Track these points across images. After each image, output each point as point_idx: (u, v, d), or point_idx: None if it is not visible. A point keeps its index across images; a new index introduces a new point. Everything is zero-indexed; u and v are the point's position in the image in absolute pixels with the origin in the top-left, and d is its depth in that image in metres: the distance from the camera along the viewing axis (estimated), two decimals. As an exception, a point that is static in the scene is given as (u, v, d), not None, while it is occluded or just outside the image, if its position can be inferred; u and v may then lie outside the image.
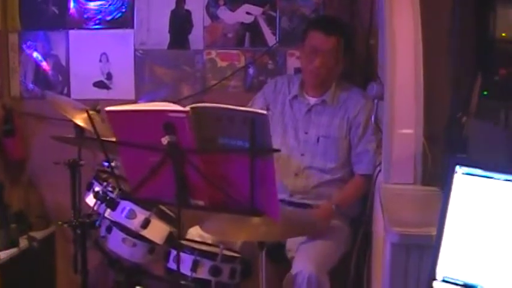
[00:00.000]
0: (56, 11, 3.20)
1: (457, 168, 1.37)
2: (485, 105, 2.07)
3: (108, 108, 1.68)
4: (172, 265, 2.25)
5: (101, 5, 3.16)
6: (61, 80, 3.24)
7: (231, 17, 3.08)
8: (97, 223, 2.40)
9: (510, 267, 1.26)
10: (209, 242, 2.42)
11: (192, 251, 2.22)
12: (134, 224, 2.31)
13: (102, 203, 2.38)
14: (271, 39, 3.06)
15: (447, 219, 1.36)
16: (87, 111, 1.88)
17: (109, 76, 3.21)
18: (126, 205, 2.33)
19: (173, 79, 3.16)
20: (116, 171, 2.10)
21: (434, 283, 1.36)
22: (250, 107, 2.71)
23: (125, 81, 3.19)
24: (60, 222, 2.59)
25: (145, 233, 2.30)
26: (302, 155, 2.66)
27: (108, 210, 2.36)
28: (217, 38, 3.10)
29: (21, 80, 3.27)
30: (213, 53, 3.12)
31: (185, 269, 2.19)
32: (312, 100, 2.69)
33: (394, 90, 2.00)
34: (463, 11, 2.18)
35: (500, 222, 1.28)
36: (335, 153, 2.63)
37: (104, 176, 2.50)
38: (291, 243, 2.54)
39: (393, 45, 2.00)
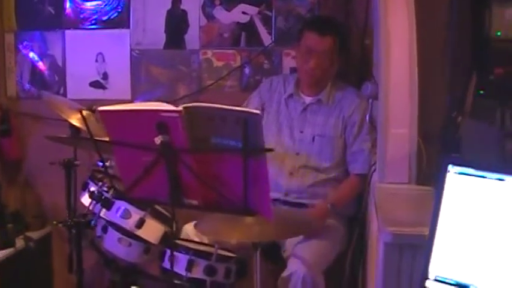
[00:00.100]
0: (52, 11, 3.20)
1: (450, 167, 1.37)
2: (480, 104, 2.07)
3: (101, 108, 1.68)
4: (167, 265, 2.25)
5: (97, 5, 3.16)
6: (57, 80, 3.24)
7: (226, 17, 3.08)
8: (92, 223, 2.40)
9: (502, 266, 1.26)
10: (205, 241, 2.42)
11: (187, 250, 2.22)
12: (129, 224, 2.31)
13: (97, 202, 2.38)
14: (267, 39, 3.06)
15: (440, 218, 1.36)
16: (80, 111, 1.87)
17: (105, 76, 3.21)
18: (121, 205, 2.33)
19: (169, 79, 3.16)
20: (111, 171, 2.10)
21: (427, 282, 1.36)
22: (245, 106, 2.71)
23: (121, 81, 3.19)
24: (55, 222, 2.59)
25: (140, 232, 2.30)
26: (297, 154, 2.66)
27: (103, 210, 2.36)
28: (213, 37, 3.10)
29: (18, 80, 3.27)
30: (209, 53, 3.12)
31: (180, 269, 2.19)
32: (308, 99, 2.70)
33: (388, 89, 2.00)
34: (459, 10, 2.18)
35: (492, 222, 1.28)
36: (330, 152, 2.63)
37: (100, 176, 2.50)
38: (287, 243, 2.54)
39: (387, 44, 2.00)
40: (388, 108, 1.99)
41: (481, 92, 2.07)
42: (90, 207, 2.42)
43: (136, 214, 2.31)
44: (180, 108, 1.62)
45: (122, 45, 3.17)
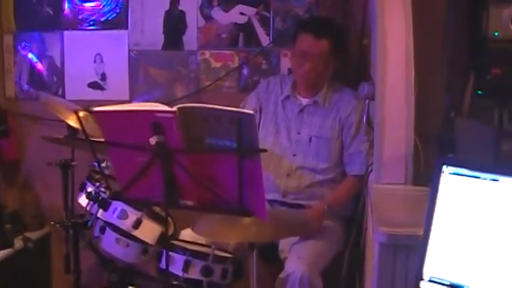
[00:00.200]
0: (51, 12, 3.20)
1: (444, 168, 1.37)
2: (478, 104, 2.07)
3: (95, 109, 1.69)
4: (164, 265, 2.25)
5: (95, 6, 3.16)
6: (56, 81, 3.25)
7: (224, 18, 3.08)
8: (89, 223, 2.40)
9: (497, 267, 1.25)
10: (202, 242, 2.41)
11: (183, 251, 2.22)
12: (126, 225, 2.31)
13: (94, 203, 2.39)
14: (265, 39, 3.06)
15: (434, 219, 1.36)
16: (75, 112, 1.87)
17: (103, 77, 3.21)
18: (117, 205, 2.33)
19: (167, 80, 3.16)
20: (107, 172, 2.10)
21: (421, 283, 1.36)
22: (243, 107, 2.71)
23: (119, 82, 3.19)
24: (52, 223, 2.60)
25: (137, 233, 2.31)
26: (294, 155, 2.66)
27: (101, 210, 2.36)
28: (211, 38, 3.10)
29: (16, 81, 3.28)
30: (207, 54, 3.12)
31: (177, 269, 2.20)
32: (304, 101, 2.69)
33: (384, 90, 1.99)
34: (455, 10, 2.17)
35: (487, 222, 1.28)
36: (327, 153, 2.63)
37: (97, 176, 2.50)
38: (284, 243, 2.54)
39: (384, 45, 1.99)
40: (385, 108, 1.99)
41: (480, 92, 2.07)
42: (88, 208, 2.43)
43: (133, 215, 2.31)
44: (174, 108, 1.62)
45: (120, 46, 3.17)
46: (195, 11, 3.09)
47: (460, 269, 1.30)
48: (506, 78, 2.00)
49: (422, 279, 1.35)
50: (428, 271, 1.35)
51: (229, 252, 2.37)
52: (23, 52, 3.25)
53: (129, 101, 3.14)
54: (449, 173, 1.35)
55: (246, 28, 3.07)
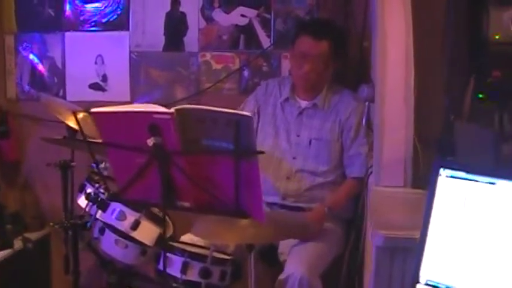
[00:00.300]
0: (52, 13, 3.20)
1: (441, 170, 1.36)
2: (478, 107, 2.06)
3: (93, 110, 1.69)
4: (162, 267, 2.24)
5: (96, 7, 3.17)
6: (57, 82, 3.25)
7: (225, 19, 3.08)
8: (88, 224, 2.40)
9: (493, 271, 1.25)
10: (202, 244, 2.41)
11: (182, 252, 2.22)
12: (124, 226, 2.31)
13: (93, 204, 2.39)
14: (265, 41, 3.06)
15: (431, 222, 1.36)
16: (73, 113, 1.88)
17: (104, 78, 3.21)
18: (116, 207, 2.33)
19: (168, 81, 3.16)
20: (106, 173, 2.10)
21: (418, 286, 1.35)
22: (242, 109, 2.70)
23: (120, 83, 3.19)
24: (51, 224, 2.60)
25: (135, 234, 2.30)
26: (294, 158, 2.65)
27: (99, 211, 2.36)
28: (212, 40, 3.10)
29: (17, 82, 3.28)
30: (208, 55, 3.12)
31: (175, 271, 2.19)
32: (303, 103, 2.68)
33: (384, 92, 1.99)
34: (456, 13, 2.17)
35: (483, 226, 1.27)
36: (327, 156, 2.62)
37: (96, 177, 2.50)
38: (284, 246, 2.53)
39: (384, 46, 1.99)
40: (384, 110, 1.98)
41: (480, 95, 2.06)
42: (87, 209, 2.43)
43: (131, 216, 2.31)
44: (172, 110, 1.62)
45: (121, 48, 3.17)
46: (196, 12, 3.09)
47: (457, 272, 1.30)
48: (507, 80, 2.00)
49: (418, 282, 1.35)
50: (424, 274, 1.34)
51: (228, 254, 2.36)
52: (24, 53, 3.26)
53: (130, 102, 3.15)
54: (447, 176, 1.35)
55: (247, 30, 3.07)
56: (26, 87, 3.28)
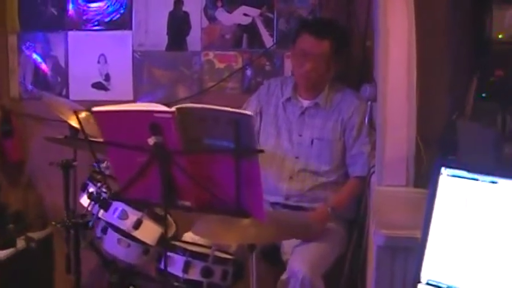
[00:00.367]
0: (55, 12, 3.21)
1: (443, 169, 1.36)
2: (481, 107, 2.06)
3: (94, 109, 1.69)
4: (164, 266, 2.24)
5: (99, 6, 3.17)
6: (60, 81, 3.25)
7: (228, 19, 3.08)
8: (90, 224, 2.40)
9: (494, 270, 1.24)
10: (204, 243, 2.41)
11: (183, 252, 2.21)
12: (126, 225, 2.31)
13: (95, 203, 2.39)
14: (268, 40, 3.05)
15: (432, 221, 1.35)
16: (75, 112, 1.88)
17: (107, 77, 3.22)
18: (118, 206, 2.33)
19: (171, 80, 3.16)
20: (107, 172, 2.10)
21: (419, 286, 1.34)
22: (244, 108, 2.70)
23: (123, 83, 3.20)
24: (53, 223, 2.60)
25: (137, 233, 2.30)
26: (296, 158, 2.64)
27: (101, 210, 2.36)
28: (214, 39, 3.10)
29: (20, 81, 3.28)
30: (211, 55, 3.12)
31: (177, 270, 2.19)
32: (305, 103, 2.67)
33: (386, 91, 1.98)
34: (459, 12, 2.17)
35: (485, 225, 1.27)
36: (329, 155, 2.61)
37: (98, 176, 2.50)
38: (286, 245, 2.53)
39: (386, 45, 1.99)
40: (386, 110, 1.98)
41: (483, 95, 2.06)
42: (89, 208, 2.43)
43: (133, 215, 2.31)
44: (172, 109, 1.62)
45: (124, 47, 3.17)
46: (199, 11, 3.09)
47: (458, 272, 1.29)
48: (509, 80, 1.99)
49: (420, 282, 1.34)
50: (426, 274, 1.33)
51: (230, 254, 2.36)
52: (27, 52, 3.26)
53: (133, 102, 3.14)
54: (448, 175, 1.34)
55: (250, 29, 3.06)
56: (29, 87, 3.28)
